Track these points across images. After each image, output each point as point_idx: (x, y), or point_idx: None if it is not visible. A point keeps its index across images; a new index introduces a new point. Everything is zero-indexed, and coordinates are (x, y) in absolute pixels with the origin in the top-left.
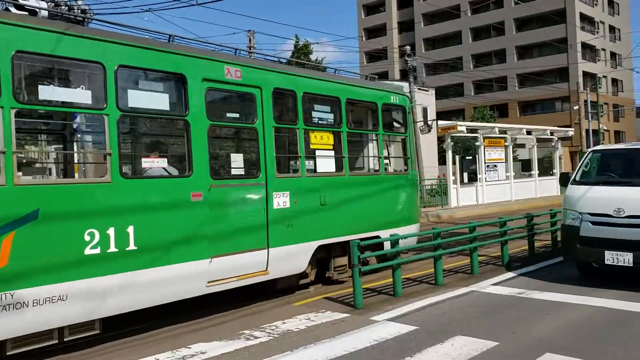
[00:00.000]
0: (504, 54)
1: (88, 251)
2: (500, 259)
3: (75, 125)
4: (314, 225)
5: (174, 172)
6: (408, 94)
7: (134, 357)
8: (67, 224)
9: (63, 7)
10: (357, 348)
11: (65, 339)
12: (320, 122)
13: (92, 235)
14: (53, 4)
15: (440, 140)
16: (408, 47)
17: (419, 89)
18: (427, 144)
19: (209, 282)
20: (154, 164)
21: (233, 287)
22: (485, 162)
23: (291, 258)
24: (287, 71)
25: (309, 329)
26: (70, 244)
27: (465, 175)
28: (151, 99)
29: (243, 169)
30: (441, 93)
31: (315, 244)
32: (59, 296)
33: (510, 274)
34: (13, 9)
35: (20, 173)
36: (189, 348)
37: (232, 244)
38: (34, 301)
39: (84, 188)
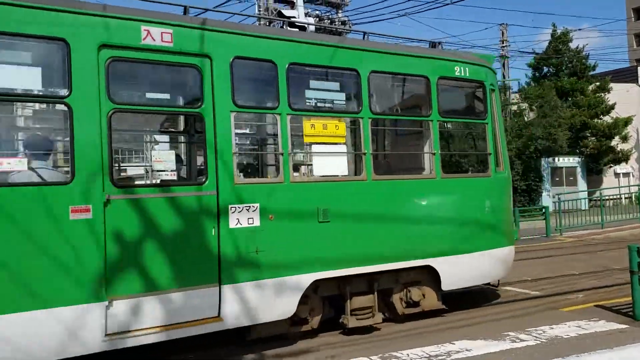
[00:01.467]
0: None
1: None
2: None
3: None
4: (305, 251)
5: (51, 176)
6: (489, 65)
7: (401, 347)
8: None
9: (326, 20)
10: None
11: None
12: (321, 104)
13: None
14: (318, 18)
15: None
16: None
17: None
18: None
19: (107, 334)
20: (4, 165)
21: (157, 340)
22: None
23: (264, 299)
24: (259, 33)
25: (580, 337)
26: None
27: None
28: (11, 74)
29: (176, 172)
30: None
31: (308, 278)
32: None
33: None
34: (287, 27)
35: None
36: (453, 344)
37: (153, 279)
38: None
39: None
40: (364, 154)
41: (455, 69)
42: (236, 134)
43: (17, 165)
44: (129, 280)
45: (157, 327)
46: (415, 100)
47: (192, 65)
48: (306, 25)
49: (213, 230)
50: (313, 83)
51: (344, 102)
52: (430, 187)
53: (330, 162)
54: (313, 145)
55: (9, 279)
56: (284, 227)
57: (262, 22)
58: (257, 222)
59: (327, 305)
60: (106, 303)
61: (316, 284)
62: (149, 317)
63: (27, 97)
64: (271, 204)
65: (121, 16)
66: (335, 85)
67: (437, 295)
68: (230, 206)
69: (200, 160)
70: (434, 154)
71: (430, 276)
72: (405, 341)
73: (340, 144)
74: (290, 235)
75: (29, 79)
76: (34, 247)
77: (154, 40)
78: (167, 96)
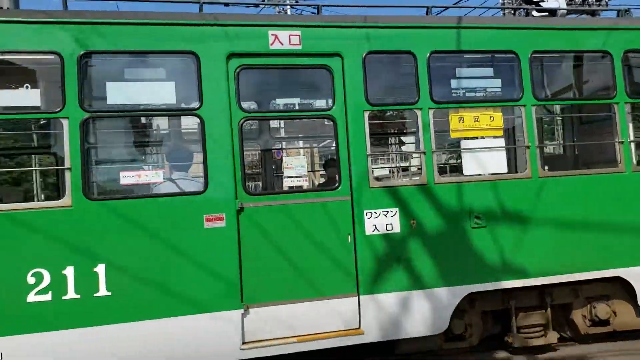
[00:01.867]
0: None
1: (32, 299)
2: None
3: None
4: (456, 260)
5: (186, 187)
6: None
7: None
8: (4, 262)
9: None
10: None
11: None
12: (471, 94)
13: (39, 277)
14: None
15: None
16: None
17: None
18: None
19: (245, 342)
20: (141, 178)
21: (295, 351)
22: None
23: (410, 311)
24: (394, 24)
25: None
26: (8, 288)
27: None
28: (141, 90)
29: (306, 178)
30: None
31: (460, 291)
32: None
33: None
34: (535, 13)
35: None
36: None
37: (287, 287)
38: None
39: (31, 216)
40: (528, 147)
41: None
42: (371, 134)
43: (154, 177)
44: (265, 287)
45: (294, 336)
46: (594, 81)
47: (322, 66)
48: (557, 9)
49: (349, 237)
50: (460, 71)
51: (500, 90)
52: (617, 182)
53: (483, 158)
54: (462, 141)
55: (152, 286)
56: (428, 234)
57: (506, 12)
58: (396, 229)
59: (489, 320)
60: (242, 311)
61: (472, 297)
62: (285, 326)
63: (162, 111)
64: (413, 209)
65: (248, 23)
66: (489, 72)
67: (635, 311)
68: (365, 211)
69: (332, 164)
70: (621, 143)
71: (624, 289)
72: None
73: (496, 137)
74: (436, 243)
75: (163, 93)
76: (173, 255)
77: (282, 44)
78: (296, 100)
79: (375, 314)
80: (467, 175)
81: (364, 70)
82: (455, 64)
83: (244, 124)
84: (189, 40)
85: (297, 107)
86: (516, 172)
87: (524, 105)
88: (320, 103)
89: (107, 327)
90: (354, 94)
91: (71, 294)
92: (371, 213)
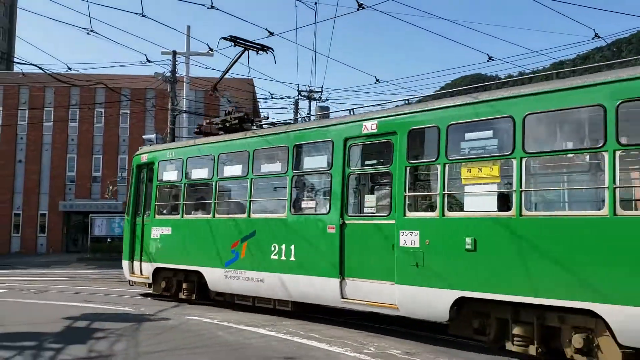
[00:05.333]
0: None
1: (272, 257)
2: None
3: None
4: (453, 271)
5: (321, 210)
6: None
7: None
8: (264, 239)
9: None
10: None
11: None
12: (473, 152)
13: (274, 247)
14: None
15: None
16: None
17: None
18: None
19: (343, 298)
20: (308, 204)
21: (365, 310)
22: None
23: (423, 300)
24: (424, 108)
25: None
26: (265, 251)
27: None
28: (315, 160)
29: (375, 208)
30: None
31: (453, 294)
32: (260, 279)
33: None
34: None
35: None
36: None
37: (360, 271)
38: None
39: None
40: (514, 191)
41: None
42: (409, 182)
43: (310, 204)
44: (352, 269)
45: (363, 300)
46: None
47: (386, 141)
48: None
49: (391, 246)
50: (466, 136)
51: (497, 146)
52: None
53: (478, 198)
54: (466, 187)
55: (301, 259)
56: (436, 251)
57: None
58: (416, 244)
59: (497, 324)
60: (339, 279)
61: (463, 301)
62: (360, 293)
63: (317, 171)
64: (427, 232)
65: (354, 120)
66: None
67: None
68: (400, 231)
69: (388, 200)
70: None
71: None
72: None
73: (492, 182)
74: (440, 258)
75: (319, 161)
76: (315, 243)
77: (368, 129)
78: (374, 161)
79: (404, 297)
80: (466, 211)
81: (408, 141)
82: (463, 131)
83: (350, 176)
84: (334, 134)
85: (376, 166)
86: None
87: (514, 159)
88: (386, 162)
89: (291, 275)
90: (402, 156)
91: (282, 257)
92: (403, 232)
